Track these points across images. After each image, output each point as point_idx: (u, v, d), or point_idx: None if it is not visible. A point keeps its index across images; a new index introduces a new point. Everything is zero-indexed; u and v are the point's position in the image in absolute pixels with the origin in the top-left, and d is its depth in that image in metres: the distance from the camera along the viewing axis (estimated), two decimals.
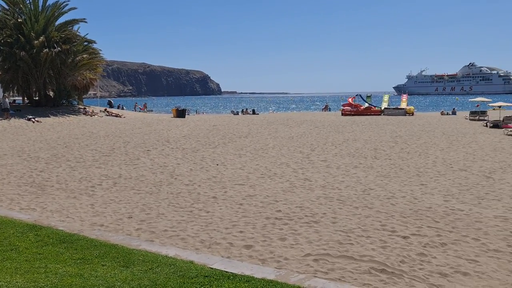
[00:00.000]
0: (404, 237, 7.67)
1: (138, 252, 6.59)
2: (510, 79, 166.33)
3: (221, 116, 47.72)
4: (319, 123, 33.58)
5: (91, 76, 46.70)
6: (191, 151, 18.84)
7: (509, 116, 31.92)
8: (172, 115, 44.16)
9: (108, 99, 71.63)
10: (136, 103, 70.56)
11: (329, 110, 62.24)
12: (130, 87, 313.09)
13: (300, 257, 6.79)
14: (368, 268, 6.34)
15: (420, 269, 6.32)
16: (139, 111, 58.31)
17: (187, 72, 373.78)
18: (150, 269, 5.81)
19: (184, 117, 42.36)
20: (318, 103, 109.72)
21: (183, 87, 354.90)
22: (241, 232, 8.07)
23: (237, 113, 53.67)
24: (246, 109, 58.38)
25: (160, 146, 20.28)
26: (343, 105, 50.01)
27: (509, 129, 25.66)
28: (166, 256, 6.47)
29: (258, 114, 52.94)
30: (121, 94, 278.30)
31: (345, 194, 10.96)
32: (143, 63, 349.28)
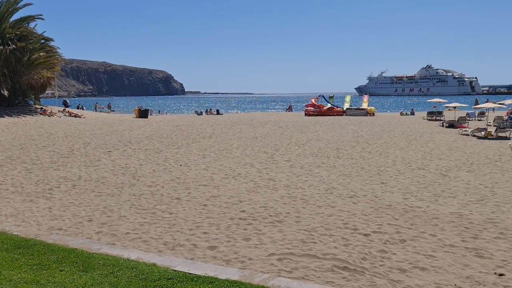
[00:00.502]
0: (366, 235, 7.85)
1: (98, 256, 6.42)
2: (464, 81, 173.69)
3: (185, 117, 47.27)
4: (283, 123, 33.86)
5: (49, 75, 45.04)
6: (154, 152, 18.55)
7: (463, 117, 33.36)
8: (134, 115, 43.35)
9: (64, 98, 69.42)
10: (96, 103, 68.79)
11: (292, 111, 62.91)
12: (91, 87, 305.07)
13: (264, 257, 6.81)
14: (331, 266, 6.45)
15: (380, 265, 6.48)
16: (100, 111, 56.88)
17: (150, 71, 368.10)
18: (111, 273, 5.67)
19: (146, 117, 41.68)
20: (282, 103, 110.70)
21: (145, 87, 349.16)
22: (205, 233, 8.01)
23: (201, 113, 53.33)
24: (210, 109, 58.12)
25: (122, 147, 19.85)
26: (306, 106, 50.64)
27: (463, 129, 26.80)
28: (128, 259, 6.33)
29: (222, 114, 52.80)
30: (81, 93, 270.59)
31: (309, 194, 11.10)
32: (104, 62, 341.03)
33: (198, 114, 52.25)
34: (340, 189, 11.59)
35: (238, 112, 65.97)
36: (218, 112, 53.80)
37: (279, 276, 6.02)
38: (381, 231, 8.07)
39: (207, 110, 56.97)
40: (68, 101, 56.91)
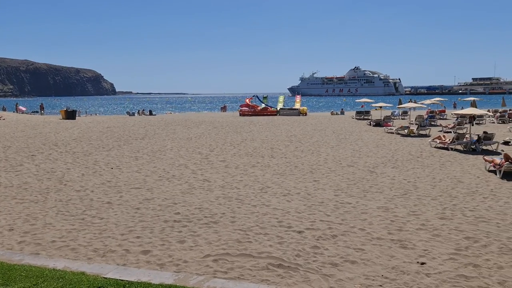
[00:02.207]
0: (299, 232, 8.04)
1: (20, 267, 5.99)
2: (389, 82, 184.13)
3: (116, 117, 45.60)
4: (218, 123, 33.79)
5: None
6: (82, 155, 17.70)
7: (389, 116, 35.34)
8: (60, 116, 41.08)
9: None
10: (17, 103, 64.22)
11: (227, 111, 62.98)
12: (11, 86, 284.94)
13: (200, 259, 6.75)
14: (266, 264, 6.53)
15: (314, 261, 6.67)
16: (22, 114, 53.21)
17: (78, 70, 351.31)
18: (34, 285, 5.32)
19: (74, 118, 39.65)
20: (216, 103, 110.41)
21: (73, 87, 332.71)
22: (138, 237, 7.78)
23: (133, 114, 51.76)
24: (143, 109, 56.59)
25: (47, 150, 18.72)
26: (241, 106, 50.97)
27: (389, 128, 28.37)
28: (53, 269, 5.98)
29: (155, 115, 51.61)
30: (0, 93, 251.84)
31: (244, 193, 11.16)
32: (26, 60, 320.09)
33: (130, 115, 50.64)
34: (274, 188, 11.77)
35: (172, 112, 64.84)
36: (151, 113, 52.51)
37: (215, 277, 5.99)
38: (314, 227, 8.31)
39: (139, 110, 55.41)
40: None
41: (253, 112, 46.65)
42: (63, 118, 39.27)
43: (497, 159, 13.73)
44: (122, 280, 5.58)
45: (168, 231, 8.13)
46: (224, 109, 65.67)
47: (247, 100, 52.03)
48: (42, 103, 60.85)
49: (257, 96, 55.48)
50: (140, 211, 9.55)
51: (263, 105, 50.68)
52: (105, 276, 5.72)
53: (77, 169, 14.69)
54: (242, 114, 46.51)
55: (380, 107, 39.32)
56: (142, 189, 11.73)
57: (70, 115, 39.85)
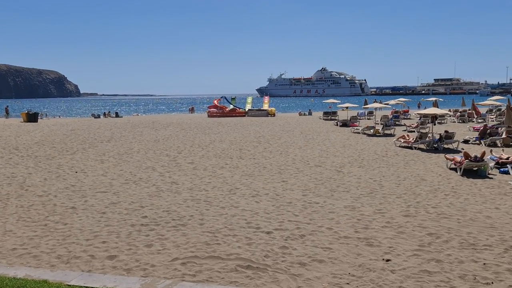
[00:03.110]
0: (268, 233, 8.07)
1: None
2: (355, 83, 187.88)
3: (81, 120, 44.49)
4: (186, 125, 33.51)
5: None
6: (45, 159, 17.16)
7: (355, 116, 36.04)
8: (21, 119, 39.69)
9: None
10: None
11: (195, 112, 62.53)
12: None
13: (168, 262, 6.67)
14: (235, 266, 6.52)
15: (282, 261, 6.71)
16: None
17: (40, 72, 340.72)
18: None
19: (36, 121, 38.40)
20: (184, 105, 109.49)
21: (35, 89, 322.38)
22: (104, 242, 7.61)
23: (99, 116, 50.63)
24: (109, 111, 55.43)
25: (7, 155, 18.05)
26: (209, 107, 50.77)
27: (355, 128, 28.92)
28: (14, 278, 5.77)
29: (121, 117, 50.65)
30: None
31: (212, 195, 11.11)
32: None
33: (95, 117, 49.49)
34: (243, 189, 11.77)
35: (139, 114, 63.81)
36: (117, 115, 51.51)
37: (183, 280, 5.94)
38: (282, 228, 8.36)
39: (105, 112, 54.26)
40: None
41: (222, 113, 46.56)
42: (24, 121, 37.97)
43: (458, 157, 14.24)
44: (87, 287, 5.45)
45: (135, 235, 7.99)
46: (192, 110, 65.21)
47: (215, 101, 51.87)
48: (7, 106, 57.95)
49: (225, 97, 55.38)
50: (106, 215, 9.35)
51: (231, 106, 50.66)
52: (68, 284, 5.57)
53: (39, 173, 14.24)
54: (210, 115, 46.33)
55: (347, 107, 40.02)
56: (108, 193, 11.49)
57: (32, 117, 38.58)
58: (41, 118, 44.07)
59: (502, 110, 37.18)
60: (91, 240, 7.72)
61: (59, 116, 58.13)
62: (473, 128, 27.15)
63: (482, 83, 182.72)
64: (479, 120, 34.24)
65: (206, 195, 11.16)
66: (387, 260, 6.70)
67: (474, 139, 21.17)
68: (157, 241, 7.65)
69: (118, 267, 6.50)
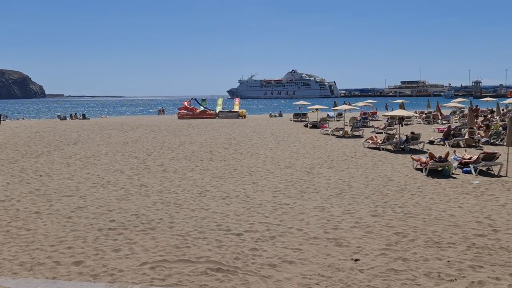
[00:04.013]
0: (238, 235, 8.05)
1: None
2: (324, 85, 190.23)
3: (46, 122, 43.21)
4: (155, 127, 33.08)
5: None
6: (7, 162, 16.57)
7: (325, 118, 36.46)
8: None
9: None
10: None
11: (165, 114, 61.82)
12: None
13: (136, 267, 6.55)
14: (205, 269, 6.47)
15: (252, 263, 6.71)
16: None
17: (2, 72, 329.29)
18: None
19: None
20: (154, 106, 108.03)
21: None
22: (69, 248, 7.41)
23: (65, 118, 49.29)
24: (75, 113, 54.07)
25: None
26: (179, 109, 50.29)
27: (325, 129, 29.28)
28: None
29: (89, 119, 49.50)
30: None
31: (182, 198, 11.00)
32: None
33: (61, 119, 48.15)
34: (213, 192, 11.71)
35: (107, 116, 62.53)
36: (84, 117, 50.30)
37: (152, 285, 5.85)
38: (252, 229, 8.36)
39: (71, 114, 52.87)
40: None
41: (192, 115, 46.22)
42: None
43: (423, 158, 14.63)
44: None
45: (103, 240, 7.82)
46: (162, 112, 64.44)
47: (186, 102, 51.43)
48: None
49: (195, 99, 54.96)
50: (72, 220, 9.11)
51: (202, 108, 50.34)
52: None
53: (1, 177, 13.74)
54: (181, 117, 45.90)
55: (317, 109, 40.42)
56: (74, 197, 11.20)
57: None
58: (3, 120, 42.55)
59: (464, 112, 38.44)
60: (56, 246, 7.50)
61: (23, 118, 56.23)
62: (438, 129, 27.95)
63: (446, 86, 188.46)
64: (444, 122, 35.28)
65: (176, 197, 11.05)
66: (356, 260, 6.80)
67: (438, 140, 21.79)
68: (125, 246, 7.51)
69: (85, 273, 6.35)
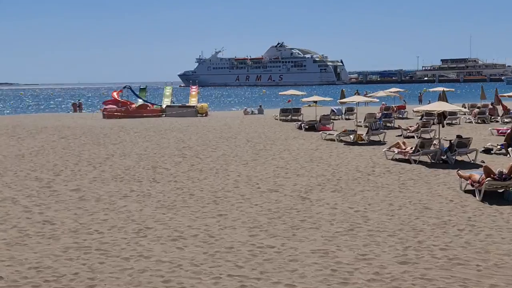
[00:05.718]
0: None
1: None
2: (327, 65, 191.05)
3: None
4: (68, 130, 32.74)
5: None
6: None
7: (327, 115, 36.65)
8: None
9: None
10: None
11: (82, 111, 61.33)
12: None
13: None
14: None
15: None
16: None
17: None
18: None
19: None
20: (66, 99, 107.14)
21: None
22: None
23: None
24: None
25: None
26: (105, 103, 50.00)
27: (328, 132, 29.35)
28: None
29: None
30: None
31: (110, 240, 10.89)
32: None
33: None
34: (158, 229, 11.64)
35: None
36: None
37: None
38: (218, 287, 8.30)
39: None
40: None
41: (125, 112, 45.96)
42: None
43: (476, 175, 14.80)
44: None
45: None
46: (79, 107, 63.94)
47: (115, 93, 51.18)
48: None
49: (130, 88, 54.73)
50: None
51: (140, 101, 50.20)
52: None
53: None
54: (108, 115, 45.56)
55: (315, 102, 40.67)
56: None
57: None
58: None
59: None
60: None
61: None
62: (498, 131, 28.34)
63: (509, 66, 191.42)
64: (506, 120, 35.79)
65: (100, 240, 10.92)
66: None
67: (499, 147, 22.09)
68: None
69: None
